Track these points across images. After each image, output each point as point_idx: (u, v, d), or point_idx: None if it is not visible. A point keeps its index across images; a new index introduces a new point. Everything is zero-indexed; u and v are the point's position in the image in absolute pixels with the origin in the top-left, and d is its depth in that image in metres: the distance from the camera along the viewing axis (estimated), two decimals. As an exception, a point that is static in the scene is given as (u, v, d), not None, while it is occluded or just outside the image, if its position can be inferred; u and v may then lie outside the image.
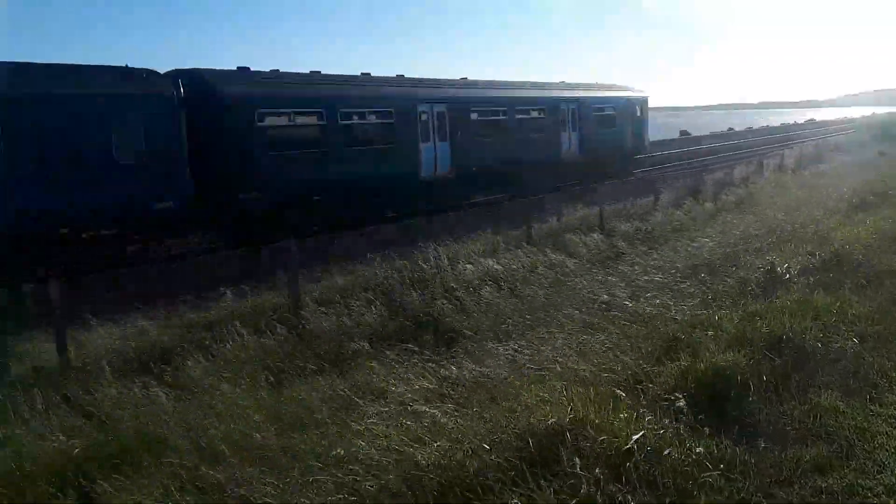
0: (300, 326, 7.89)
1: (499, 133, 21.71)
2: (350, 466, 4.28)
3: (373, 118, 18.26)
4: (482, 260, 10.87)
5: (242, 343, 7.27)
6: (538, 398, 4.89)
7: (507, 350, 6.58)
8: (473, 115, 20.78)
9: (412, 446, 4.37)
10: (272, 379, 6.38)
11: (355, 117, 17.59)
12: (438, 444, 4.35)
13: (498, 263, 10.65)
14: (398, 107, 18.24)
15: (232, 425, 5.21)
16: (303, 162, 15.65)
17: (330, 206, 16.20)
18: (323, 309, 8.40)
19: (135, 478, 4.61)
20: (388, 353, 7.03)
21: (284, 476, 4.34)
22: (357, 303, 8.73)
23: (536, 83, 25.51)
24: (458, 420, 4.79)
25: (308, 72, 17.64)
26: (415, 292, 9.03)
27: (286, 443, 4.93)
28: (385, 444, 4.52)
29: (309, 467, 4.39)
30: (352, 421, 5.14)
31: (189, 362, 6.68)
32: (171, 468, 4.65)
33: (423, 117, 18.91)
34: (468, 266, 10.42)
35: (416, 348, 7.01)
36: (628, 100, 27.74)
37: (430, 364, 6.43)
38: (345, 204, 16.45)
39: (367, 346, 7.27)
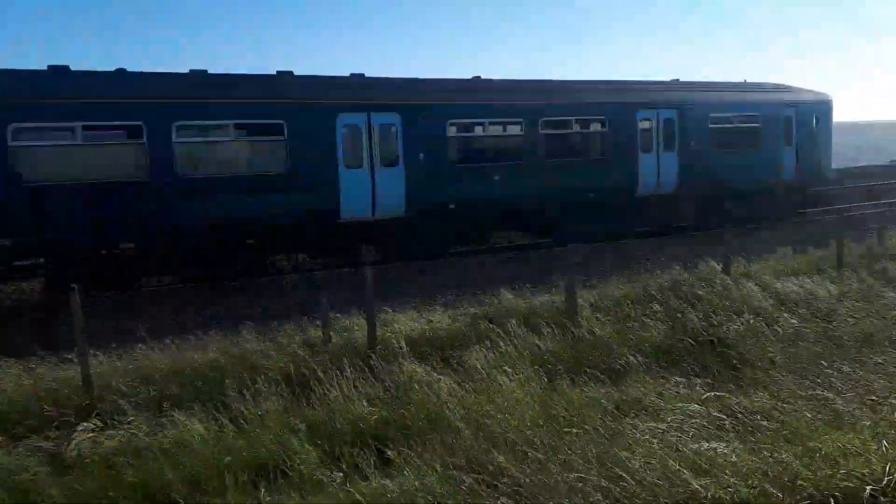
0: (575, 331, 7.97)
1: (507, 156, 15.35)
2: (621, 484, 4.21)
3: (244, 135, 12.88)
4: (778, 282, 9.85)
5: (519, 340, 7.58)
6: (841, 448, 4.28)
7: (803, 385, 5.86)
8: (452, 130, 14.57)
9: (687, 473, 4.14)
10: (545, 378, 6.55)
11: (207, 133, 12.61)
12: (717, 477, 4.06)
13: (798, 287, 9.56)
14: (298, 119, 12.76)
15: (507, 416, 5.48)
16: (96, 198, 11.22)
17: (151, 258, 12.14)
18: (599, 316, 8.39)
19: (419, 451, 5.11)
20: (663, 369, 6.79)
21: (551, 474, 4.44)
22: (634, 313, 8.56)
23: (599, 81, 17.41)
24: (742, 455, 4.40)
25: (188, 70, 12.81)
26: (696, 309, 8.52)
27: (555, 442, 5.03)
28: (657, 464, 4.35)
29: (575, 471, 4.43)
30: (622, 434, 5.06)
31: (471, 352, 7.19)
32: (451, 449, 5.06)
33: (346, 132, 13.24)
34: (755, 287, 9.54)
35: (696, 369, 6.66)
36: (791, 106, 18.94)
37: (710, 389, 6.04)
38: (196, 256, 12.23)
39: (640, 358, 7.06)
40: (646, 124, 16.81)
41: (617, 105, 16.44)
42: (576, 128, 16.55)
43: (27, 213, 10.85)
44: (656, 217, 17.14)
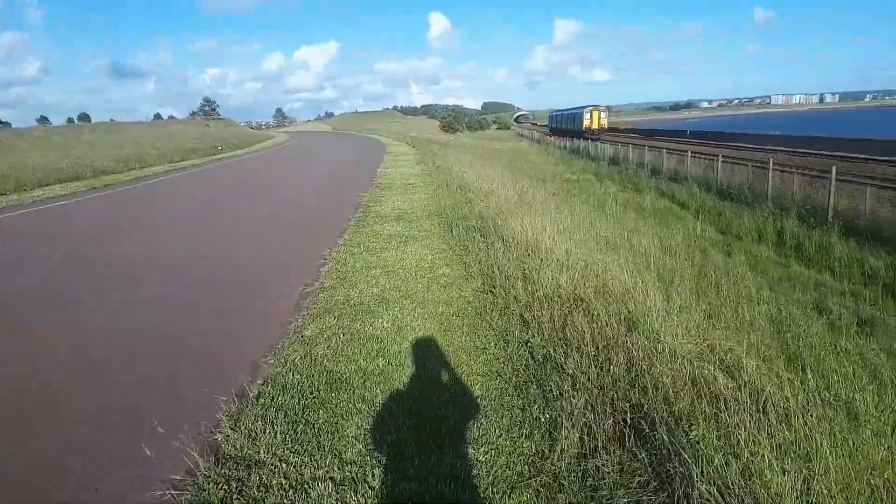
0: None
1: (575, 122, 67.04)
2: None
3: (570, 116, 57.20)
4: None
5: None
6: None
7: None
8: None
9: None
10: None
11: (568, 116, 69.24)
12: None
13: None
14: (569, 114, 64.63)
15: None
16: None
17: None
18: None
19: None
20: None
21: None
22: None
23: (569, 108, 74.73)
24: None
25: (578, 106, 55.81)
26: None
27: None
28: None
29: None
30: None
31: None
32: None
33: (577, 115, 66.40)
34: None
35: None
36: (582, 110, 65.71)
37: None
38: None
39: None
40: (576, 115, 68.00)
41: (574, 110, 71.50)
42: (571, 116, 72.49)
43: None
44: (583, 134, 58.27)
